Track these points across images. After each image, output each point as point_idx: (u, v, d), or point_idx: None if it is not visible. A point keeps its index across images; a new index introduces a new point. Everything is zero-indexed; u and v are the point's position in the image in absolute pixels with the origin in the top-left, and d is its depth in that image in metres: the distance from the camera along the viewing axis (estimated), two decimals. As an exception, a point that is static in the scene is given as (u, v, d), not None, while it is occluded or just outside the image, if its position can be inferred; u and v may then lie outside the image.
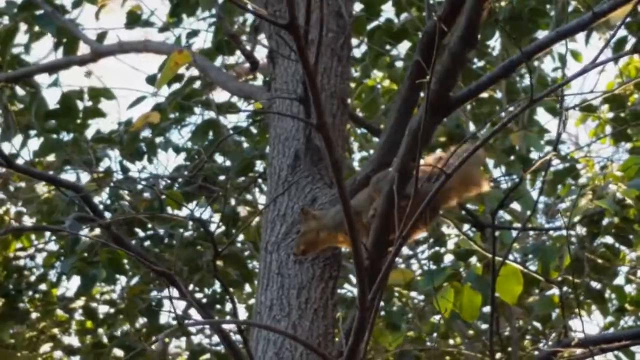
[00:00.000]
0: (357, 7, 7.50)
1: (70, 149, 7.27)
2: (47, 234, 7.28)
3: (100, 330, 7.81)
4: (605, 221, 6.80)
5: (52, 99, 7.47)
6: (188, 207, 6.59)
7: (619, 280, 7.57)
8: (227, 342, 4.76)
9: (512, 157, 7.26)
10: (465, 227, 7.27)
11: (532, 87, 3.16)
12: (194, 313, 8.84)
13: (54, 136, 7.32)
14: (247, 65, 6.52)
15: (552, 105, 7.19)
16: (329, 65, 5.57)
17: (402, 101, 4.92)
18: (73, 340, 7.97)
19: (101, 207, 7.23)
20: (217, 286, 7.59)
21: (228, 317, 7.30)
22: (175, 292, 4.19)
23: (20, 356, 7.65)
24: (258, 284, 5.25)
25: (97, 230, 6.44)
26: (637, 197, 6.44)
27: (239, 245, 7.85)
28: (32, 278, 7.70)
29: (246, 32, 7.34)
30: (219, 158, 7.63)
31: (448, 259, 7.53)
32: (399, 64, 7.60)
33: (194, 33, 7.53)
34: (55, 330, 7.80)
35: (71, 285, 7.74)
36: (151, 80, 7.22)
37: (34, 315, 7.72)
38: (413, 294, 7.73)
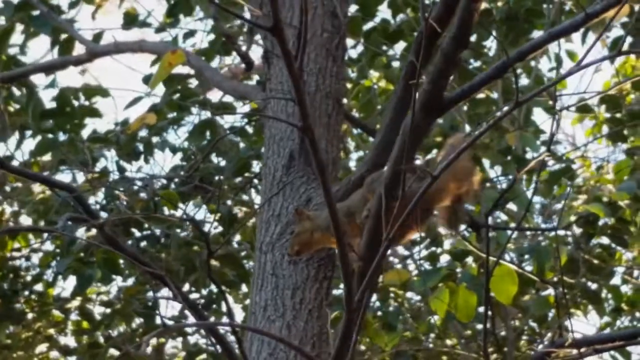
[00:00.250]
0: (353, 7, 7.51)
1: (66, 149, 7.26)
2: (44, 234, 7.27)
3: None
4: (600, 222, 6.81)
5: (48, 99, 7.44)
6: (182, 208, 6.58)
7: (615, 281, 7.59)
8: (222, 343, 4.76)
9: (508, 158, 7.26)
10: (461, 227, 7.26)
11: (517, 89, 3.15)
12: (190, 314, 8.83)
13: (50, 136, 7.32)
14: (243, 65, 6.51)
15: (549, 105, 7.19)
16: (324, 65, 5.56)
17: (397, 101, 4.92)
18: (69, 341, 7.98)
19: (97, 207, 7.27)
20: (214, 286, 7.59)
21: (224, 318, 7.29)
22: (170, 293, 4.19)
23: (16, 357, 7.65)
24: (252, 284, 5.25)
25: (94, 231, 6.46)
26: (632, 198, 6.44)
27: (235, 245, 7.85)
28: (28, 278, 7.70)
29: (242, 33, 7.34)
30: (216, 158, 7.63)
31: (444, 259, 7.54)
32: (396, 64, 7.60)
33: (190, 33, 7.53)
34: (51, 331, 7.79)
35: (67, 285, 7.77)
36: (147, 80, 7.22)
37: (30, 315, 7.72)
38: (410, 294, 7.74)
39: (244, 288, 7.89)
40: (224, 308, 7.91)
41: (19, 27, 7.44)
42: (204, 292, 7.67)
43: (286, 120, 5.02)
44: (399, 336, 7.10)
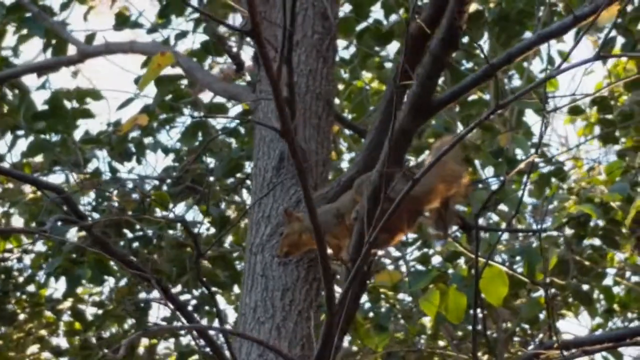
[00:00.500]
0: (347, 7, 7.51)
1: (58, 150, 7.26)
2: (36, 234, 7.25)
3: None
4: (592, 223, 6.81)
5: (40, 100, 7.46)
6: (171, 209, 6.58)
7: (607, 282, 7.59)
8: (212, 345, 4.76)
9: (499, 159, 7.26)
10: (452, 228, 7.26)
11: (499, 92, 3.16)
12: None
13: (42, 137, 7.31)
14: (233, 66, 6.52)
15: (539, 106, 7.19)
16: (314, 66, 5.57)
17: (387, 103, 4.93)
18: (61, 342, 7.96)
19: (89, 208, 7.27)
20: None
21: (216, 319, 7.28)
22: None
23: (7, 358, 7.64)
24: (242, 285, 5.26)
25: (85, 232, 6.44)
26: (624, 200, 6.45)
27: (228, 246, 7.85)
28: (20, 279, 7.68)
29: (233, 34, 7.33)
30: (208, 159, 7.63)
31: (436, 260, 7.54)
32: (388, 65, 7.61)
33: (182, 34, 7.52)
34: (43, 332, 7.78)
35: (59, 286, 7.78)
36: (139, 81, 7.21)
37: (21, 316, 7.71)
38: (402, 295, 7.74)
39: (237, 289, 7.89)
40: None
41: (11, 28, 7.44)
42: (196, 293, 7.66)
43: (266, 124, 5.02)
44: (389, 337, 7.10)
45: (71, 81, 8.21)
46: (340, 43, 7.60)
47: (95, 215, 7.26)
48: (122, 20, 7.59)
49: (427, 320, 7.79)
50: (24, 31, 7.39)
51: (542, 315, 7.21)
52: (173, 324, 7.31)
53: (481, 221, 7.32)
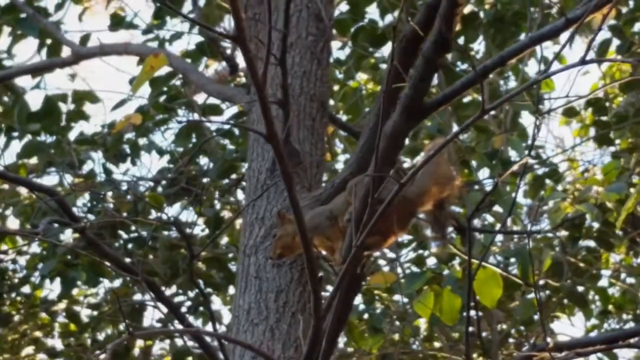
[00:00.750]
0: (342, 7, 7.51)
1: (53, 151, 7.26)
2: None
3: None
4: (586, 224, 6.82)
5: (35, 101, 7.46)
6: (163, 211, 6.57)
7: (603, 283, 7.59)
8: (204, 347, 4.77)
9: (494, 161, 7.26)
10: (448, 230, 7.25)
11: (484, 97, 3.16)
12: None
13: (37, 138, 7.31)
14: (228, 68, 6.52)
15: (532, 108, 7.20)
16: (308, 68, 5.57)
17: (380, 105, 4.92)
18: (56, 343, 7.96)
19: (84, 209, 7.27)
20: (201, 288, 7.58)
21: (210, 322, 7.28)
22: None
23: (2, 359, 7.64)
24: (236, 287, 5.25)
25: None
26: (619, 201, 6.45)
27: (223, 247, 7.85)
28: (15, 280, 7.68)
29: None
30: (203, 160, 7.63)
31: (431, 262, 7.54)
32: (383, 66, 7.60)
33: (177, 35, 7.52)
34: (38, 333, 7.78)
35: (54, 287, 7.78)
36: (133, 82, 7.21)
37: (16, 318, 7.70)
38: (398, 296, 7.74)
39: (232, 290, 7.88)
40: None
41: (6, 29, 7.43)
42: (191, 294, 7.66)
43: (252, 128, 5.02)
44: (383, 339, 7.10)
45: (67, 82, 8.19)
46: (335, 44, 7.62)
47: (91, 217, 7.26)
48: (118, 21, 7.58)
49: (423, 322, 7.79)
50: (18, 32, 7.39)
51: (536, 317, 7.22)
52: (168, 326, 7.32)
53: (476, 223, 7.33)
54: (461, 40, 7.44)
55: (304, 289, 5.16)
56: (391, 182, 3.95)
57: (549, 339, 4.31)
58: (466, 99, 7.53)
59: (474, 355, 7.46)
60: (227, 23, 7.69)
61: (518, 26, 7.23)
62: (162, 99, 7.35)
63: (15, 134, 7.39)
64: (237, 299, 5.19)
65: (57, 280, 7.10)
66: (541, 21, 7.04)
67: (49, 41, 7.34)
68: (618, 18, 7.24)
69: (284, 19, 5.23)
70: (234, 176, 7.51)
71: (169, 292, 7.57)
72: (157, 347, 8.28)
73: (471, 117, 3.47)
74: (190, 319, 7.78)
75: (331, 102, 7.67)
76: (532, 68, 8.18)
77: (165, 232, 7.32)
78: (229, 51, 6.62)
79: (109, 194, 7.31)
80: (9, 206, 7.48)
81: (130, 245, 7.34)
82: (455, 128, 7.47)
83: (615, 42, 7.32)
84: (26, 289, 7.74)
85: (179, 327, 4.69)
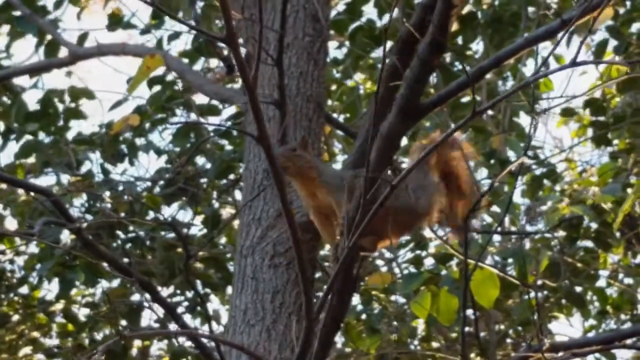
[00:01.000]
0: (340, 7, 7.52)
1: (50, 151, 7.26)
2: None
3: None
4: (584, 225, 6.82)
5: (33, 101, 7.45)
6: (159, 212, 6.58)
7: (601, 284, 7.60)
8: (201, 348, 4.77)
9: (492, 161, 7.26)
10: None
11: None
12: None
13: (35, 138, 7.31)
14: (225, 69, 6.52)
15: (528, 108, 7.20)
16: (305, 69, 5.57)
17: (377, 105, 4.91)
18: (54, 343, 7.95)
19: (82, 209, 7.27)
20: (199, 288, 7.58)
21: (206, 324, 7.28)
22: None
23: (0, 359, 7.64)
24: (233, 287, 5.25)
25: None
26: (615, 201, 6.45)
27: (221, 247, 7.85)
28: (13, 281, 7.68)
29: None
30: (201, 160, 7.63)
31: (429, 262, 7.54)
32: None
33: (175, 35, 7.52)
34: (36, 333, 7.77)
35: (52, 288, 7.78)
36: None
37: (14, 318, 7.70)
38: (395, 296, 7.74)
39: (230, 290, 7.88)
40: (210, 310, 7.93)
41: (4, 29, 7.44)
42: (189, 294, 7.66)
43: (242, 130, 5.01)
44: (380, 339, 7.10)
45: (64, 81, 8.21)
46: (333, 43, 7.62)
47: (89, 217, 7.26)
48: (116, 21, 7.59)
49: (421, 322, 7.80)
50: (17, 29, 7.39)
51: (534, 317, 7.22)
52: (166, 326, 7.32)
53: (475, 223, 7.32)
54: (459, 41, 7.44)
55: (300, 289, 5.16)
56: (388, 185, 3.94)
57: (545, 340, 4.30)
58: (464, 99, 7.53)
59: (472, 356, 7.47)
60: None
61: (516, 27, 7.23)
62: (160, 98, 7.35)
63: (13, 134, 7.40)
64: (233, 299, 5.20)
65: (55, 280, 7.10)
66: (539, 21, 7.04)
67: (48, 37, 7.34)
68: (615, 19, 7.24)
69: (281, 19, 5.24)
70: (232, 176, 7.51)
71: (166, 292, 7.57)
72: (155, 347, 8.28)
73: (465, 119, 3.47)
74: (189, 319, 7.80)
75: (329, 101, 7.68)
76: (530, 68, 8.19)
77: (163, 233, 7.32)
78: (226, 52, 6.61)
79: (107, 194, 7.31)
80: (7, 206, 7.48)
81: (128, 246, 7.34)
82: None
83: (613, 42, 7.33)
84: (24, 290, 7.74)
85: (174, 328, 4.67)
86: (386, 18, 7.48)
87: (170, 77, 7.32)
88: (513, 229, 7.65)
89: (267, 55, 5.31)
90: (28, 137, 7.32)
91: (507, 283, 6.20)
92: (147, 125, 7.45)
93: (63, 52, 7.35)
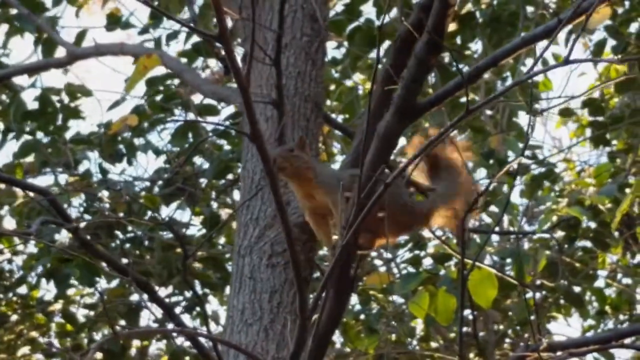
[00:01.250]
0: (338, 7, 7.52)
1: (49, 151, 7.26)
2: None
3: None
4: (583, 225, 6.82)
5: (31, 101, 7.46)
6: (158, 212, 6.57)
7: (599, 284, 7.60)
8: (198, 348, 4.77)
9: (491, 161, 7.26)
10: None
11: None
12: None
13: (33, 137, 7.31)
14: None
15: (527, 108, 7.20)
16: (303, 69, 5.57)
17: (375, 105, 4.91)
18: (53, 343, 7.94)
19: (81, 209, 7.27)
20: (197, 288, 7.58)
21: (205, 324, 7.28)
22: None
23: (-2, 359, 7.64)
24: (230, 287, 5.25)
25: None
26: (612, 202, 6.45)
27: (220, 247, 7.85)
28: (12, 280, 7.68)
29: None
30: (200, 160, 7.63)
31: (428, 262, 7.54)
32: (380, 66, 7.57)
33: (174, 35, 7.52)
34: (34, 333, 7.78)
35: (51, 287, 7.77)
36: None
37: (12, 318, 7.70)
38: (395, 296, 7.74)
39: (228, 290, 7.87)
40: (208, 310, 7.94)
41: (2, 29, 7.45)
42: (188, 294, 7.66)
43: (236, 129, 5.01)
44: (379, 339, 7.10)
45: (62, 81, 8.22)
46: (331, 43, 7.62)
47: (87, 217, 7.27)
48: (114, 20, 7.59)
49: (419, 322, 7.80)
50: (15, 26, 7.39)
51: (532, 317, 7.22)
52: (165, 326, 7.32)
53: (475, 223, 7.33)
54: (458, 40, 7.44)
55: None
56: (395, 185, 3.95)
57: (543, 339, 4.30)
58: (464, 99, 7.51)
59: (471, 356, 7.47)
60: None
61: (514, 26, 7.23)
62: (158, 98, 7.35)
63: (12, 133, 7.40)
64: (231, 299, 5.19)
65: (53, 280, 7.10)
66: (537, 21, 7.04)
67: (45, 35, 7.34)
68: (614, 18, 7.24)
69: (279, 19, 5.23)
70: (230, 176, 7.52)
71: (165, 292, 7.58)
72: (154, 347, 8.29)
73: (458, 118, 3.48)
74: (187, 318, 7.81)
75: (327, 102, 7.68)
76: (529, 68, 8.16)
77: (162, 233, 7.32)
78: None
79: (106, 194, 7.31)
80: (5, 205, 7.48)
81: (127, 246, 7.34)
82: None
83: (611, 42, 7.33)
84: (22, 289, 7.74)
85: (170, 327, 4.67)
86: (384, 18, 7.48)
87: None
88: (512, 229, 7.66)
89: (265, 55, 5.32)
90: (27, 136, 7.33)
91: (506, 283, 6.20)
92: (146, 125, 7.45)
93: (61, 52, 7.36)
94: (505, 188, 7.29)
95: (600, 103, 7.41)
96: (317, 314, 3.69)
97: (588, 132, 7.71)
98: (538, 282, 7.07)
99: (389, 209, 4.15)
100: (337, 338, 7.84)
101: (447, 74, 6.95)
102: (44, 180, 7.81)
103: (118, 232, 7.36)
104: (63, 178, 7.45)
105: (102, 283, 7.55)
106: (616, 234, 6.93)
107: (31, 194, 5.56)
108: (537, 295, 7.24)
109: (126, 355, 7.82)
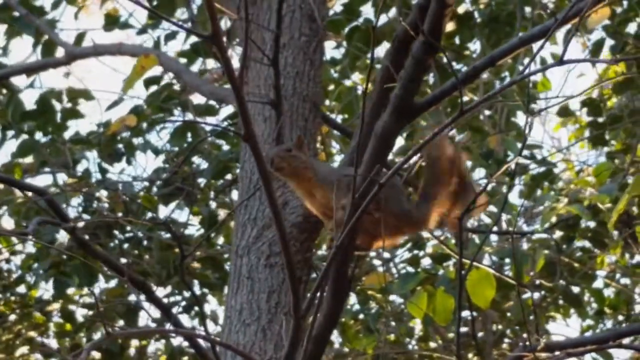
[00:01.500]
0: (337, 7, 7.52)
1: (48, 151, 7.26)
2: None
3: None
4: (582, 225, 6.82)
5: (30, 101, 7.48)
6: (156, 212, 6.57)
7: (598, 284, 7.60)
8: (196, 348, 4.77)
9: (489, 161, 7.26)
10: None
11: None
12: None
13: (32, 137, 7.32)
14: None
15: (524, 108, 7.21)
16: (301, 69, 5.56)
17: (372, 105, 4.91)
18: (51, 343, 7.95)
19: (79, 209, 7.27)
20: (196, 288, 7.59)
21: (202, 324, 7.27)
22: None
23: (-4, 359, 7.65)
24: (228, 287, 5.25)
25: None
26: (612, 201, 6.45)
27: (219, 247, 7.85)
28: (11, 279, 7.68)
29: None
30: (198, 160, 7.63)
31: (426, 262, 7.54)
32: (378, 66, 7.57)
33: (172, 35, 7.52)
34: (33, 333, 7.78)
35: (49, 287, 7.78)
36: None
37: (11, 317, 7.70)
38: (393, 296, 7.75)
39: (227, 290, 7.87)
40: (208, 310, 7.94)
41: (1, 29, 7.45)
42: (187, 294, 7.66)
43: (229, 129, 5.01)
44: (377, 339, 7.10)
45: (62, 81, 8.23)
46: (330, 43, 7.62)
47: (86, 217, 7.27)
48: (112, 21, 7.59)
49: (418, 322, 7.80)
50: (15, 29, 7.39)
51: (530, 317, 7.22)
52: (165, 326, 7.31)
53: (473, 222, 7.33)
54: (456, 40, 7.44)
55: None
56: (395, 190, 3.95)
57: (541, 339, 4.29)
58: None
59: (469, 356, 7.47)
60: (223, 23, 7.69)
61: (512, 26, 7.24)
62: (156, 97, 7.35)
63: (11, 132, 7.40)
64: (229, 299, 5.20)
65: (51, 280, 7.10)
66: (536, 21, 7.05)
67: (45, 36, 7.34)
68: (612, 18, 7.24)
69: (277, 19, 5.23)
70: (228, 177, 7.52)
71: (164, 292, 7.58)
72: (153, 347, 8.29)
73: (452, 119, 3.48)
74: (186, 318, 7.81)
75: (326, 102, 7.68)
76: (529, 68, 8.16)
77: (161, 233, 7.32)
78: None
79: (104, 193, 7.31)
80: (3, 205, 7.48)
81: (126, 246, 7.34)
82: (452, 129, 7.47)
83: (609, 42, 7.33)
84: (21, 289, 7.74)
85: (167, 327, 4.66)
86: (383, 18, 7.49)
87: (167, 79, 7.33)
88: (510, 229, 7.66)
89: (263, 55, 5.31)
90: (25, 136, 7.33)
91: (504, 283, 6.20)
92: (145, 125, 7.46)
93: (60, 52, 7.36)
94: (504, 188, 7.29)
95: (599, 103, 7.41)
96: (312, 314, 3.70)
97: (587, 132, 7.71)
98: (537, 282, 7.07)
99: (387, 214, 4.15)
100: (335, 338, 7.84)
101: (446, 74, 6.95)
102: (43, 180, 7.82)
103: (117, 232, 7.36)
104: (62, 178, 7.46)
105: (101, 283, 7.58)
106: (615, 233, 6.93)
107: (29, 193, 5.54)
108: (536, 295, 7.24)
109: (125, 355, 7.82)
